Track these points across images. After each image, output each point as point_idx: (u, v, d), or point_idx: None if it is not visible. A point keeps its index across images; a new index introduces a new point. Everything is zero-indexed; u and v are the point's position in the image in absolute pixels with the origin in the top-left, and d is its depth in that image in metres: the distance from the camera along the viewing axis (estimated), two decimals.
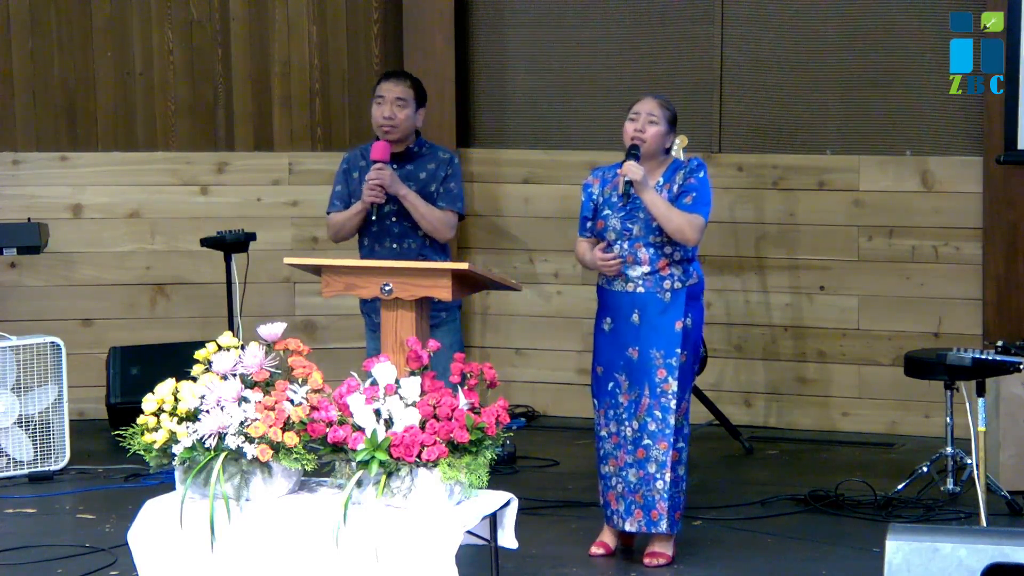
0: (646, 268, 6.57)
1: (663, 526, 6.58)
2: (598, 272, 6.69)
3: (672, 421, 6.55)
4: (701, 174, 6.61)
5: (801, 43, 9.10)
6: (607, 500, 6.71)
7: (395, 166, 7.10)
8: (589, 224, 6.72)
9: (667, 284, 6.58)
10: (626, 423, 6.62)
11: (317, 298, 9.19)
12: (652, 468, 6.58)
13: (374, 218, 7.06)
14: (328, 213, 7.26)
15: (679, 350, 6.55)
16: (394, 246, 7.12)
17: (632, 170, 6.49)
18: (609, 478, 6.69)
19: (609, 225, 6.62)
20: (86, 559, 6.69)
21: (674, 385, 6.54)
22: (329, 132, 9.62)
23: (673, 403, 6.55)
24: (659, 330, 6.56)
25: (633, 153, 6.56)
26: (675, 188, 6.58)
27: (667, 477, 6.55)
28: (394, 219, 7.11)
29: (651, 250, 6.56)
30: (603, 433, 6.71)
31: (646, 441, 6.58)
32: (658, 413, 6.56)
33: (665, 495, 6.56)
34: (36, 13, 9.38)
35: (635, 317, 6.59)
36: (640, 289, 6.58)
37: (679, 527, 6.67)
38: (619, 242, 6.60)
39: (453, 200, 7.12)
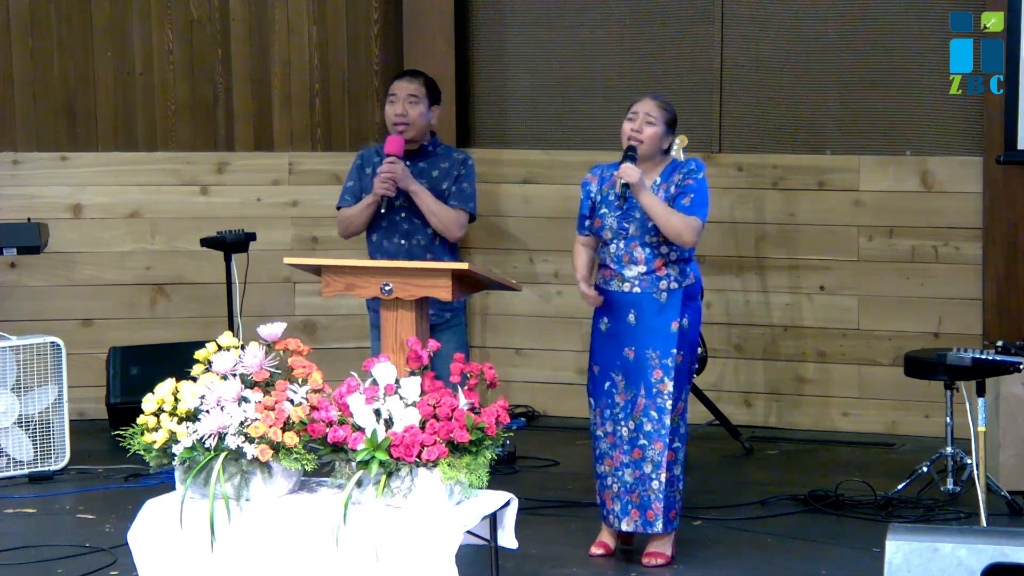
0: (642, 268, 6.58)
1: (659, 526, 6.59)
2: (597, 270, 6.70)
3: (668, 421, 6.55)
4: (700, 175, 6.60)
5: (801, 43, 9.10)
6: (603, 500, 6.72)
7: (408, 163, 7.10)
8: (587, 223, 6.72)
9: (663, 284, 6.58)
10: (622, 423, 6.62)
11: (317, 298, 9.19)
12: (648, 468, 6.58)
13: (383, 211, 7.05)
14: (338, 207, 7.26)
15: (675, 350, 6.55)
16: (402, 242, 7.12)
17: (628, 172, 6.49)
18: (605, 478, 6.69)
19: (606, 224, 6.62)
20: (86, 559, 6.69)
21: (670, 385, 6.54)
22: (329, 132, 9.62)
23: (669, 403, 6.55)
24: (655, 330, 6.56)
25: (630, 155, 6.56)
26: (672, 189, 6.58)
27: (663, 477, 6.55)
28: (403, 215, 7.11)
29: (647, 250, 6.57)
30: (599, 433, 6.71)
31: (642, 441, 6.58)
32: (654, 413, 6.56)
33: (661, 495, 6.56)
34: (36, 13, 9.38)
35: (631, 317, 6.59)
36: (636, 289, 6.58)
37: (674, 525, 6.66)
38: (615, 241, 6.61)
39: (465, 200, 7.12)
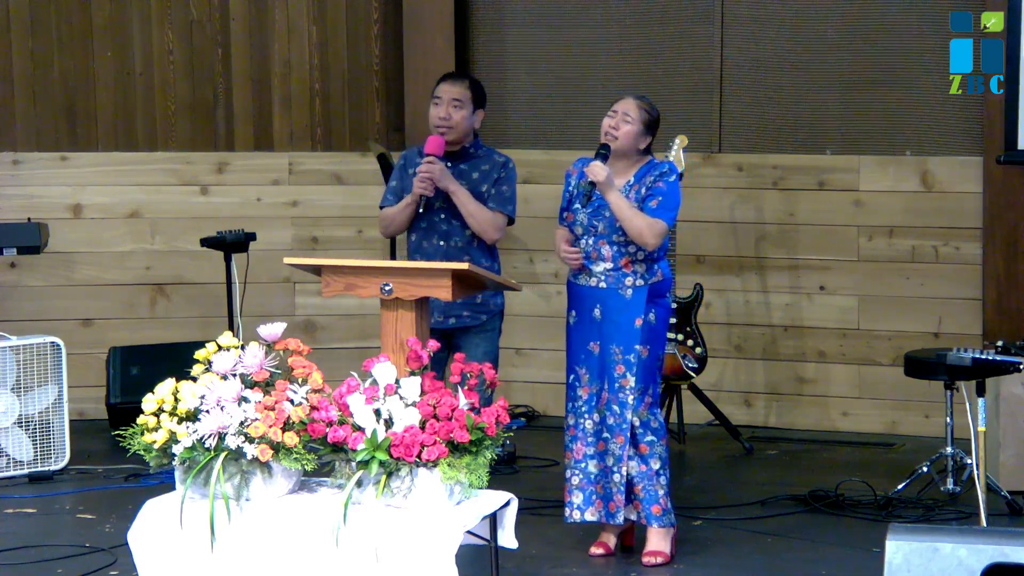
0: (608, 264, 6.61)
1: (619, 518, 6.64)
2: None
3: (629, 416, 6.58)
4: (671, 178, 6.64)
5: (801, 43, 9.10)
6: (564, 496, 6.73)
7: (449, 164, 7.11)
8: (565, 214, 6.75)
9: (629, 281, 6.60)
10: (585, 416, 6.67)
11: (317, 298, 9.19)
12: (610, 461, 6.64)
13: (421, 211, 7.06)
14: (381, 207, 7.27)
15: (639, 346, 6.58)
16: (440, 243, 7.13)
17: (595, 171, 6.53)
18: (566, 469, 6.72)
19: (577, 219, 6.67)
20: (86, 559, 6.69)
21: (632, 380, 6.57)
22: (329, 132, 9.62)
23: (631, 398, 6.58)
24: (618, 326, 6.60)
25: (602, 153, 6.60)
26: (643, 190, 6.60)
27: (623, 470, 6.58)
28: (443, 216, 7.12)
29: (614, 248, 6.59)
30: (565, 425, 6.75)
31: (605, 434, 6.63)
32: (616, 408, 6.60)
33: (622, 487, 6.60)
34: (36, 13, 9.38)
35: (596, 312, 6.63)
36: (602, 284, 6.62)
37: (663, 520, 6.63)
38: (584, 237, 6.65)
39: (504, 203, 7.13)
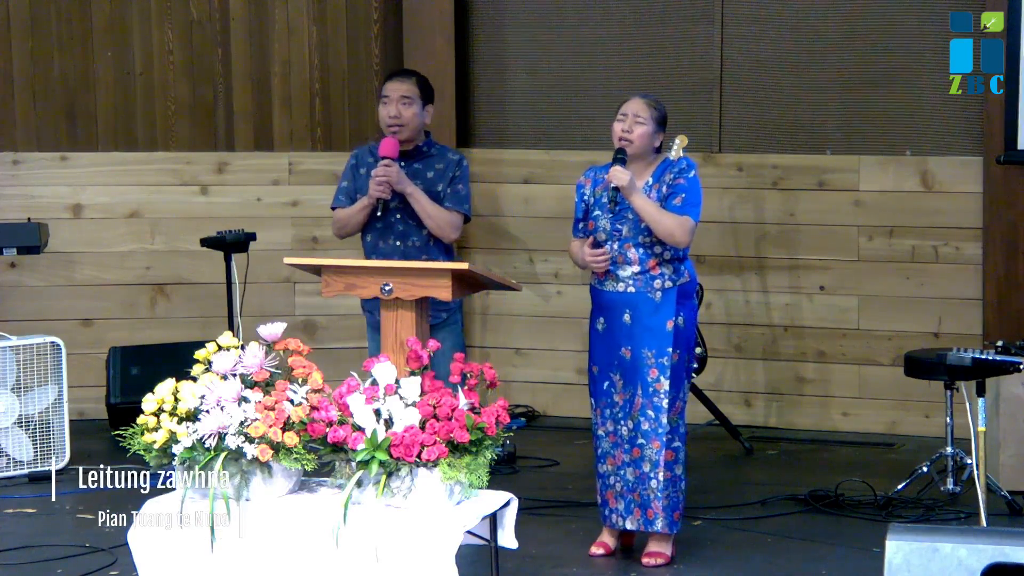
0: (636, 268, 6.58)
1: (659, 525, 6.60)
2: (590, 272, 6.71)
3: (665, 420, 6.56)
4: (691, 174, 6.61)
5: (801, 43, 9.10)
6: (605, 499, 6.72)
7: (403, 164, 7.09)
8: (581, 225, 6.73)
9: (657, 284, 6.58)
10: (622, 422, 6.64)
11: (317, 298, 9.19)
12: (647, 467, 6.59)
13: (379, 214, 7.04)
14: (333, 208, 7.25)
15: (671, 349, 6.56)
16: (397, 243, 7.11)
17: (618, 176, 6.51)
18: (607, 476, 6.70)
19: (599, 226, 6.63)
20: (86, 559, 6.69)
21: (666, 384, 6.55)
22: (329, 132, 9.62)
23: (665, 402, 6.56)
24: (651, 330, 6.57)
25: (620, 157, 6.57)
26: (664, 188, 6.58)
27: (660, 476, 6.56)
28: (398, 216, 7.10)
29: (640, 250, 6.57)
30: (600, 432, 6.72)
31: (640, 440, 6.60)
32: (651, 412, 6.57)
33: (660, 494, 6.57)
34: (36, 13, 9.38)
35: (627, 317, 6.60)
36: (631, 289, 6.59)
37: (678, 527, 6.67)
38: (609, 243, 6.62)
39: (460, 201, 7.11)
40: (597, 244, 6.64)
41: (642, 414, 6.58)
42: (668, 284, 6.59)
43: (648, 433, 6.58)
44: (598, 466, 6.75)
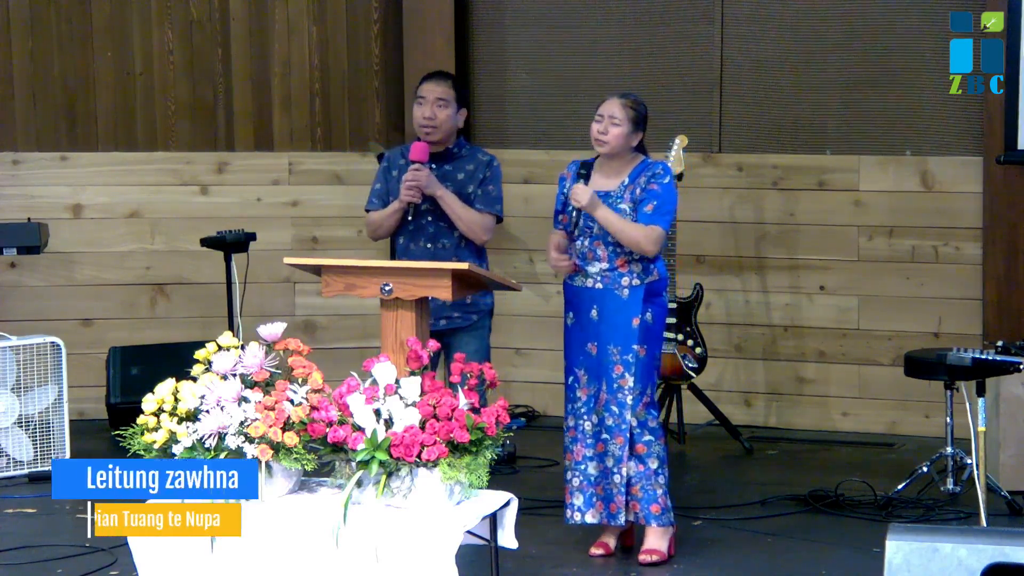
0: (604, 264, 6.61)
1: (621, 519, 6.62)
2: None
3: (629, 416, 6.58)
4: (666, 180, 6.62)
5: (801, 43, 9.10)
6: (564, 497, 6.73)
7: (433, 166, 7.10)
8: (560, 217, 6.75)
9: (625, 281, 6.60)
10: (584, 417, 6.67)
11: (317, 298, 9.19)
12: (609, 462, 6.63)
13: (410, 218, 7.06)
14: (367, 211, 7.27)
15: (636, 346, 6.58)
16: (428, 246, 7.12)
17: (578, 196, 6.53)
18: (566, 471, 6.72)
19: (572, 220, 6.65)
20: (86, 559, 6.69)
21: (631, 380, 6.57)
22: (329, 132, 9.62)
23: (630, 398, 6.57)
24: (616, 326, 6.59)
25: (582, 173, 6.63)
26: (638, 191, 6.59)
27: (623, 471, 6.57)
28: (430, 219, 7.11)
29: (610, 248, 6.60)
30: (564, 427, 6.75)
31: (604, 435, 6.63)
32: (615, 408, 6.60)
33: (622, 489, 6.59)
34: (36, 13, 9.38)
35: (594, 313, 6.63)
36: (599, 285, 6.62)
37: (664, 521, 6.63)
38: (580, 238, 6.65)
39: (491, 202, 7.12)
40: (571, 238, 6.65)
41: (606, 410, 6.61)
42: (636, 282, 6.60)
43: (612, 428, 6.61)
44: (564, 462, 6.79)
